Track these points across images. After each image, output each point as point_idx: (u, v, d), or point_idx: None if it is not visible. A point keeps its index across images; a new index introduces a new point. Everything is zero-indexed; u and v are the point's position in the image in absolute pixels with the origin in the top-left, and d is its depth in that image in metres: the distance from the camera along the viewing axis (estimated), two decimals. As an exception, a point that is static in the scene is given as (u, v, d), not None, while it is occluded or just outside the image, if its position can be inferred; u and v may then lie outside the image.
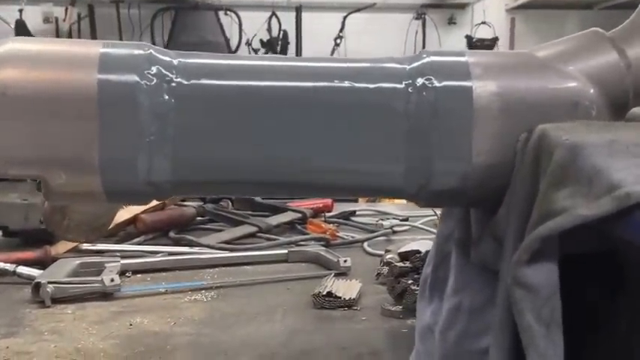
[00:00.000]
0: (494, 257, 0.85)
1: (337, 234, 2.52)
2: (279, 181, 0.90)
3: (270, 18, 6.34)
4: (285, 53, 6.26)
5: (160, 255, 2.19)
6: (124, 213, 2.37)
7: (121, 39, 5.96)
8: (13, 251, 2.10)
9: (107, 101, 0.82)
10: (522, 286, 0.69)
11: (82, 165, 0.83)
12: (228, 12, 6.22)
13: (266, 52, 6.25)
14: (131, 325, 1.58)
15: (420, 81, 0.86)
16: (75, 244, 2.10)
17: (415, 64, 0.89)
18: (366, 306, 1.71)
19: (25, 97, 0.82)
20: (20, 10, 5.60)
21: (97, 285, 1.76)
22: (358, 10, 6.42)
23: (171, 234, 2.45)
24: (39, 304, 1.70)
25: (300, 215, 2.71)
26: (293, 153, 0.88)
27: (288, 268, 2.11)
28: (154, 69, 0.84)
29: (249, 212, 2.77)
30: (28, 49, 0.86)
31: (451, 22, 6.90)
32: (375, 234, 2.52)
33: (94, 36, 5.93)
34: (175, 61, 0.87)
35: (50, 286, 1.70)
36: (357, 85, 0.87)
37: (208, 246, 2.30)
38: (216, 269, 2.07)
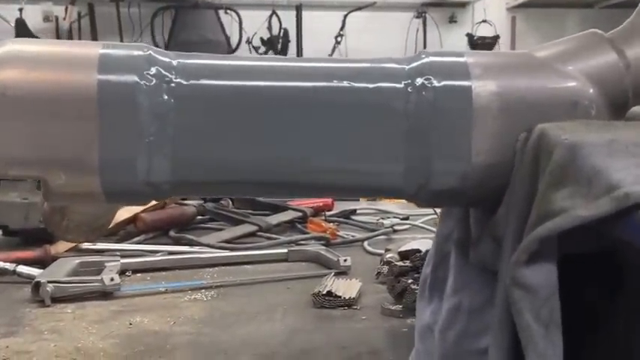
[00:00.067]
0: (494, 257, 0.85)
1: (337, 233, 2.52)
2: (278, 181, 0.90)
3: (271, 16, 6.33)
4: (286, 52, 6.26)
5: (159, 254, 2.19)
6: (124, 212, 2.37)
7: (121, 38, 5.95)
8: (13, 250, 2.11)
9: (107, 102, 0.82)
10: (521, 286, 0.69)
11: (82, 165, 0.83)
12: (229, 11, 6.22)
13: (266, 51, 6.24)
14: (131, 324, 1.59)
15: (419, 81, 0.86)
16: (74, 243, 2.10)
17: (414, 64, 0.89)
18: (366, 305, 1.72)
19: (25, 97, 0.82)
20: (20, 9, 5.60)
21: (96, 284, 1.76)
22: (359, 8, 6.41)
23: (172, 233, 2.45)
24: (39, 304, 1.70)
25: (300, 214, 2.71)
26: (292, 153, 0.88)
27: (288, 267, 2.11)
28: (153, 70, 0.84)
29: (250, 211, 2.77)
30: (28, 50, 0.86)
31: (452, 20, 6.89)
32: (376, 233, 2.52)
33: (94, 35, 5.93)
34: (175, 62, 0.87)
35: (50, 285, 1.71)
36: (356, 85, 0.87)
37: (208, 245, 2.30)
38: (216, 268, 2.07)
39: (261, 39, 6.30)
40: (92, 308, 1.69)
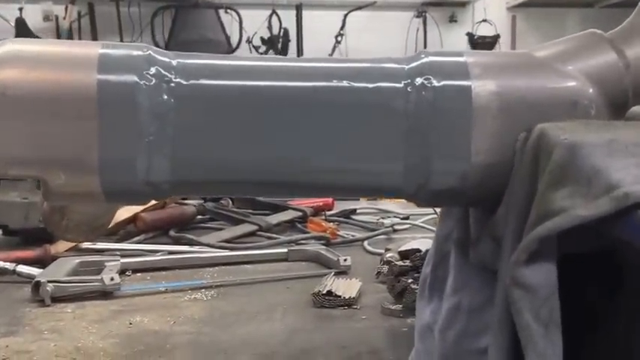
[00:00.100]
0: (493, 257, 0.85)
1: (337, 232, 2.52)
2: (278, 180, 0.90)
3: (271, 16, 6.33)
4: (286, 51, 6.26)
5: (159, 254, 2.19)
6: (124, 212, 2.37)
7: (121, 37, 5.95)
8: (13, 250, 2.11)
9: (106, 101, 0.82)
10: (521, 286, 0.69)
11: (81, 165, 0.83)
12: (229, 10, 6.21)
13: (267, 50, 6.23)
14: (131, 323, 1.59)
15: (418, 81, 0.86)
16: (74, 243, 2.11)
17: (414, 64, 0.89)
18: (366, 305, 1.72)
19: (25, 97, 0.82)
20: (20, 9, 5.59)
21: (96, 284, 1.76)
22: (359, 8, 6.40)
23: (172, 233, 2.46)
24: (39, 303, 1.70)
25: (300, 214, 2.71)
26: (292, 153, 0.88)
27: (288, 266, 2.12)
28: (153, 69, 0.84)
29: (250, 211, 2.77)
30: (28, 50, 0.86)
31: (452, 19, 6.89)
32: (376, 232, 2.52)
33: (94, 34, 5.92)
34: (174, 62, 0.87)
35: (50, 285, 1.71)
36: (356, 84, 0.87)
37: (208, 245, 2.30)
38: (216, 268, 2.07)
39: (262, 38, 6.30)
40: (92, 308, 1.69)
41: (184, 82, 0.85)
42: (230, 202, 2.85)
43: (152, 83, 0.83)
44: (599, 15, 6.65)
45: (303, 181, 0.90)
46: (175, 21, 6.15)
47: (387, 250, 1.96)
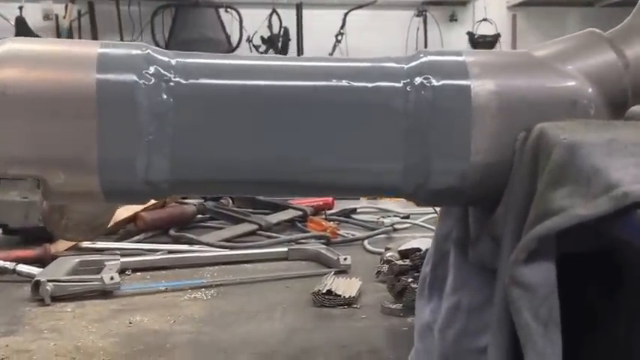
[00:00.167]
0: (492, 256, 0.85)
1: (338, 232, 2.52)
2: (277, 180, 0.90)
3: (271, 15, 6.32)
4: (286, 50, 6.25)
5: (159, 253, 2.19)
6: (124, 211, 2.37)
7: (121, 36, 5.94)
8: (12, 249, 2.11)
9: (106, 101, 0.82)
10: (520, 285, 0.69)
11: (81, 164, 0.83)
12: (229, 9, 6.21)
13: (267, 50, 6.23)
14: (131, 323, 1.59)
15: (418, 80, 0.86)
16: (74, 242, 2.11)
17: (413, 64, 0.89)
18: (365, 304, 1.72)
19: (25, 96, 0.82)
20: (20, 8, 5.59)
21: (96, 283, 1.76)
22: (359, 7, 6.39)
23: (172, 232, 2.46)
24: (38, 302, 1.71)
25: (300, 213, 2.71)
26: (292, 152, 0.88)
27: (288, 266, 2.12)
28: (152, 69, 0.84)
29: (250, 210, 2.78)
30: (28, 49, 0.86)
31: (452, 19, 6.88)
32: (376, 232, 2.52)
33: (94, 33, 5.91)
34: (173, 61, 0.87)
35: (50, 284, 1.71)
36: (355, 84, 0.87)
37: (208, 244, 2.30)
38: (216, 267, 2.07)
39: (262, 37, 6.29)
40: (92, 307, 1.69)
41: (183, 82, 0.85)
42: (230, 201, 2.85)
43: (151, 82, 0.83)
44: (600, 14, 6.65)
45: (303, 181, 0.90)
46: (175, 20, 6.15)
47: (387, 249, 1.96)
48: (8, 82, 0.81)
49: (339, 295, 1.71)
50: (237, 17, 6.24)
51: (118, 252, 2.14)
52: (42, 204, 1.09)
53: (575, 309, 0.76)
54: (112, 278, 1.77)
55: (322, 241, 2.36)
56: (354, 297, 1.71)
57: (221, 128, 0.86)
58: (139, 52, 0.86)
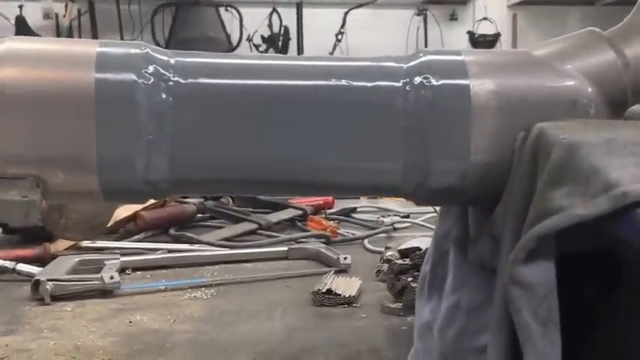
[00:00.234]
0: (492, 256, 0.85)
1: (338, 231, 2.52)
2: (277, 179, 0.90)
3: (271, 14, 6.32)
4: (287, 49, 6.25)
5: (159, 252, 2.19)
6: (124, 210, 2.37)
7: (121, 35, 5.94)
8: (12, 248, 2.11)
9: (105, 100, 0.82)
10: (519, 284, 0.69)
11: (80, 164, 0.83)
12: (229, 8, 6.21)
13: (267, 49, 6.23)
14: (131, 322, 1.59)
15: (417, 79, 0.86)
16: (74, 241, 2.11)
17: (413, 63, 0.89)
18: (365, 303, 1.72)
19: (24, 95, 0.82)
20: (20, 7, 5.59)
21: (96, 282, 1.76)
22: (359, 5, 6.40)
23: (171, 231, 2.46)
24: (38, 302, 1.70)
25: (300, 212, 2.71)
26: (292, 151, 0.88)
27: (288, 265, 2.12)
28: (151, 68, 0.84)
29: (250, 209, 2.77)
30: (27, 49, 0.86)
31: (452, 18, 6.88)
32: (376, 231, 2.52)
33: (94, 32, 5.91)
34: (172, 60, 0.86)
35: (50, 283, 1.71)
36: (355, 83, 0.87)
37: (208, 243, 2.30)
38: (216, 266, 2.07)
39: (262, 36, 6.29)
40: (92, 306, 1.69)
41: (183, 81, 0.85)
42: (230, 200, 2.85)
43: (150, 82, 0.83)
44: (600, 13, 6.64)
45: (303, 180, 0.90)
46: (176, 19, 6.15)
47: (387, 248, 1.96)
48: (7, 82, 0.81)
49: (339, 295, 1.71)
50: (238, 16, 6.24)
51: (118, 251, 2.14)
52: (41, 203, 1.09)
53: (575, 308, 0.76)
54: (111, 277, 1.77)
55: (322, 240, 2.36)
56: (354, 296, 1.71)
57: (221, 128, 0.86)
58: (137, 51, 0.86)
